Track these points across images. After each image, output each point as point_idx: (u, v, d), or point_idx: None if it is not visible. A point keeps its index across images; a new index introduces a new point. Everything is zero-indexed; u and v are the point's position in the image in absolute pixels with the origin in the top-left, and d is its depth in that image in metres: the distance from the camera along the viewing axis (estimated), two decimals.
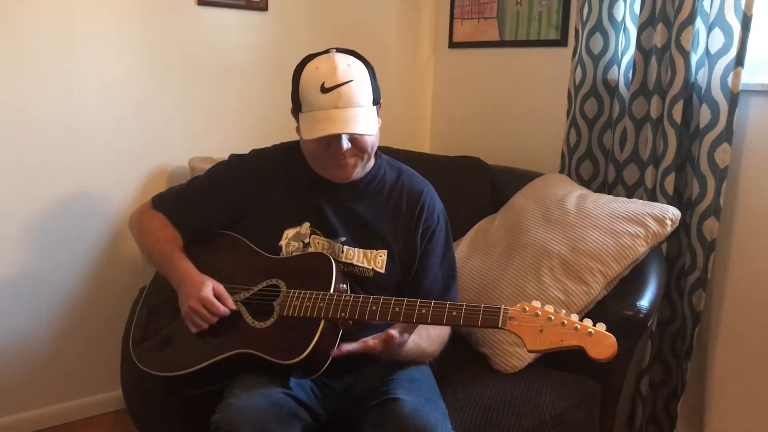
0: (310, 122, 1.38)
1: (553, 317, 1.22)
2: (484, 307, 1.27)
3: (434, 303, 1.30)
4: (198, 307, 1.39)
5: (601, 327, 1.21)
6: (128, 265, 2.25)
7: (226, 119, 2.37)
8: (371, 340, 1.33)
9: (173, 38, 2.21)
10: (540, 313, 1.23)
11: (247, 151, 1.62)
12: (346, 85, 1.36)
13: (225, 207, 1.56)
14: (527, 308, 1.24)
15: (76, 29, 2.04)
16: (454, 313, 1.28)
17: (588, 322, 1.21)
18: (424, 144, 2.88)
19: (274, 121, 2.22)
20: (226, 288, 1.44)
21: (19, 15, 1.94)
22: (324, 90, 1.36)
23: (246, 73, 2.37)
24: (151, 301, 1.60)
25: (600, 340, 1.19)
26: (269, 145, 1.63)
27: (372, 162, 1.53)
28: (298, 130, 1.47)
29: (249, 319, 1.41)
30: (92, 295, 2.23)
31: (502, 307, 1.25)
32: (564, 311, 1.24)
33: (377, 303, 1.32)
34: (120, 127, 2.17)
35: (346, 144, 1.39)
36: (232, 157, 1.62)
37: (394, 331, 1.33)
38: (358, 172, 1.48)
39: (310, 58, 1.43)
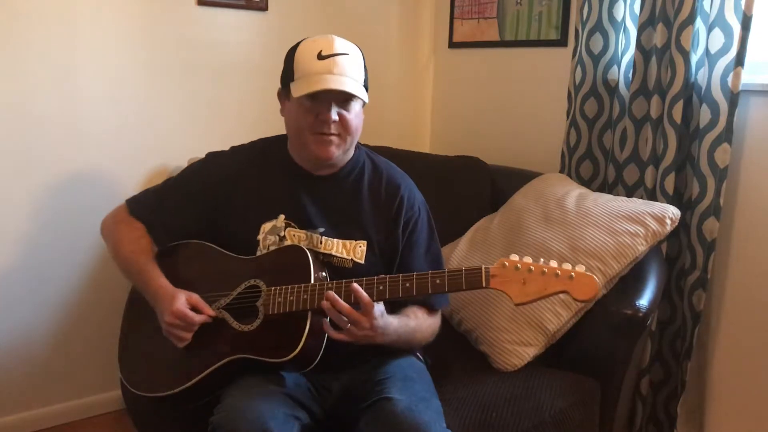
0: (302, 84, 1.38)
1: (533, 267, 1.23)
2: (465, 269, 1.28)
3: (416, 274, 1.31)
4: (173, 321, 1.36)
5: (580, 268, 1.22)
6: None
7: (226, 119, 2.37)
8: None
9: (173, 38, 2.21)
10: (520, 266, 1.24)
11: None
12: (342, 56, 1.38)
13: (203, 206, 1.52)
14: (507, 263, 1.25)
15: (77, 29, 2.04)
16: (438, 281, 1.29)
17: (568, 265, 1.22)
18: (424, 144, 2.88)
19: (274, 121, 2.21)
20: (206, 297, 1.41)
21: (19, 14, 1.94)
22: (321, 57, 1.37)
23: (246, 72, 2.37)
24: (133, 318, 1.56)
25: (582, 282, 1.21)
26: None
27: (352, 151, 1.52)
28: (282, 111, 1.48)
29: (234, 324, 1.39)
30: (92, 294, 2.23)
31: (483, 266, 1.27)
32: (542, 260, 1.25)
33: (360, 284, 1.31)
34: (120, 126, 2.17)
35: (334, 115, 1.39)
36: (209, 155, 1.60)
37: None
38: (338, 156, 1.46)
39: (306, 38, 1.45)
